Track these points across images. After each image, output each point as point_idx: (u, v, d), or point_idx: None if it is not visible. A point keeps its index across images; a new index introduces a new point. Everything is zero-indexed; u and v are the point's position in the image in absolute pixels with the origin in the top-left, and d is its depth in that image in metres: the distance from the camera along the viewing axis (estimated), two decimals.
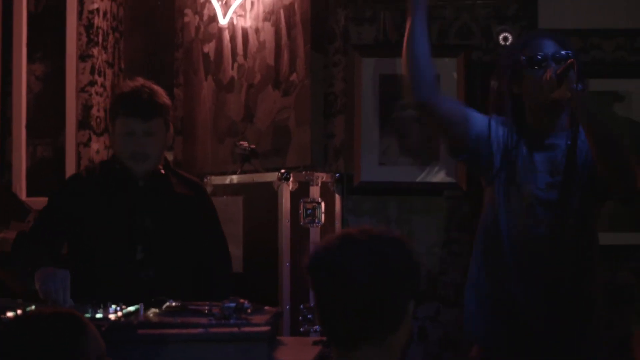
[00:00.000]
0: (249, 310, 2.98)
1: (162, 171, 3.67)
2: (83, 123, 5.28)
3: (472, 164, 3.57)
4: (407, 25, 3.34)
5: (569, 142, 3.32)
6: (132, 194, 3.60)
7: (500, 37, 4.44)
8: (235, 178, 4.48)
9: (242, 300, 2.95)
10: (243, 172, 4.50)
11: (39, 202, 5.13)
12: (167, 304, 3.13)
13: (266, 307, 3.18)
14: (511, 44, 3.94)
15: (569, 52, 3.31)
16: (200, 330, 2.79)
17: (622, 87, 4.45)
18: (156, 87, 3.64)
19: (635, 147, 4.30)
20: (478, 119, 3.39)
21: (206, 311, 3.00)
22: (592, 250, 3.38)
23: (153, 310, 3.08)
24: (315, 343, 3.20)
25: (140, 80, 3.64)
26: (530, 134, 3.37)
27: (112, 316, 2.94)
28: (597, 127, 3.19)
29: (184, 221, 3.66)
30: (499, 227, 3.32)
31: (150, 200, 3.61)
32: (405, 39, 3.35)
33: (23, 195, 5.41)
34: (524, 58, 3.33)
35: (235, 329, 2.82)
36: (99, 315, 2.93)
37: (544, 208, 3.30)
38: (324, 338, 3.28)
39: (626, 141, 3.34)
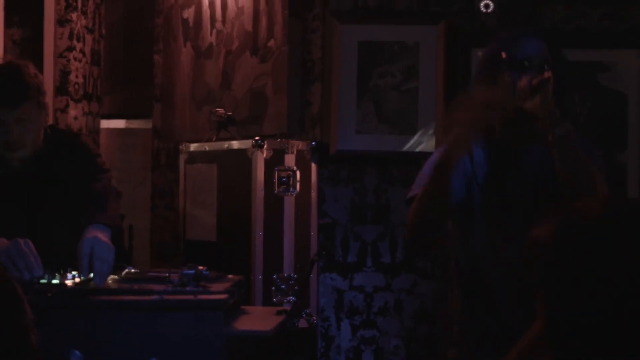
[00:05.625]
0: (208, 278, 2.92)
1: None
2: (60, 89, 5.21)
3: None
4: (445, 157, 2.85)
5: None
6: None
7: (482, 4, 4.33)
8: (209, 145, 4.39)
9: (200, 267, 2.88)
10: (219, 139, 4.42)
11: None
12: (127, 270, 3.07)
13: (229, 276, 3.12)
14: (500, 34, 3.19)
15: (547, 61, 2.93)
16: (154, 297, 2.72)
17: (608, 57, 4.33)
18: (23, 66, 3.24)
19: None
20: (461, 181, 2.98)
21: (165, 278, 2.94)
22: None
23: (112, 276, 3.02)
24: (279, 312, 3.13)
25: (6, 60, 3.37)
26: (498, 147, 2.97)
27: (69, 282, 2.88)
28: None
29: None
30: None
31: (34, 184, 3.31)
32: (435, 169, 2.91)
33: None
34: (505, 55, 2.95)
35: (191, 297, 2.74)
36: (55, 281, 2.87)
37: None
38: (289, 308, 3.23)
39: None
